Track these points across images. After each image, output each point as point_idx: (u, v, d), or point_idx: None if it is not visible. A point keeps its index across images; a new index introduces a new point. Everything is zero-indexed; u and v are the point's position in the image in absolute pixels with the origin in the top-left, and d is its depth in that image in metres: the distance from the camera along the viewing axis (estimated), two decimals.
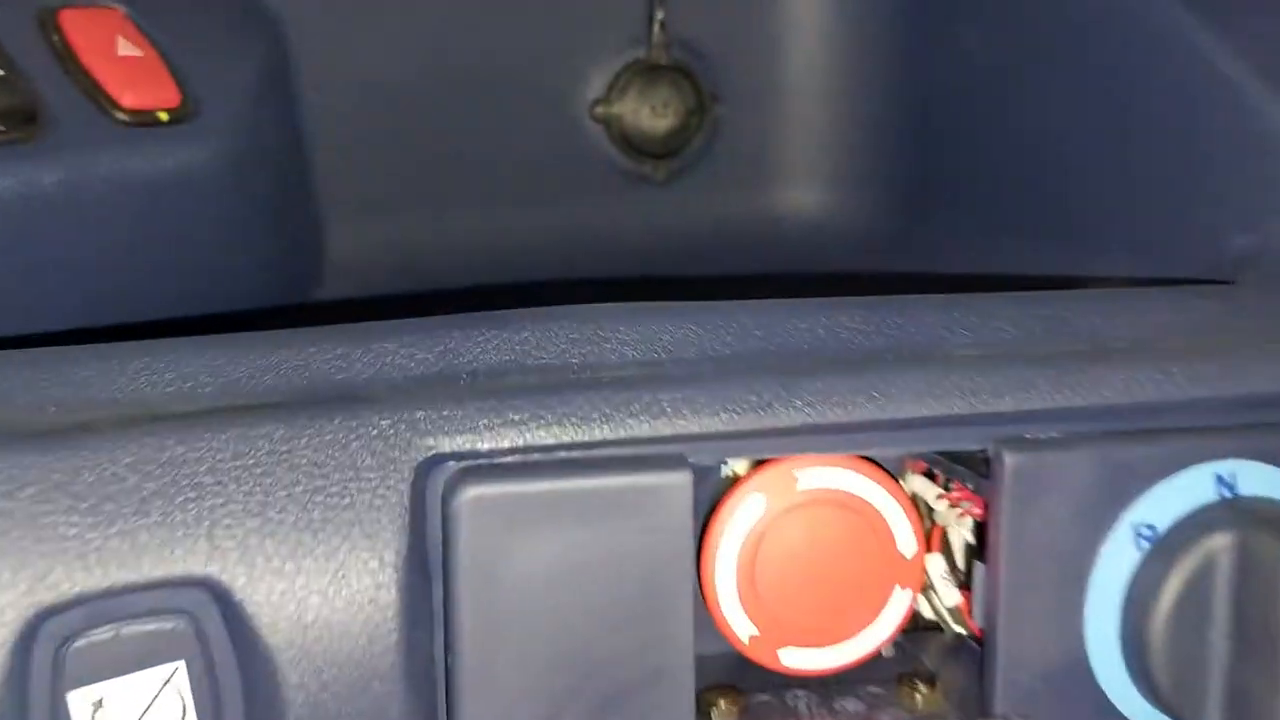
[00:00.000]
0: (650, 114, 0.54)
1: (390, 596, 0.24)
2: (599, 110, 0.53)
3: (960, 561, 0.30)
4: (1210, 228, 0.35)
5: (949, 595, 0.31)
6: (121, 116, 0.34)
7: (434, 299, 0.28)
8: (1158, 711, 0.28)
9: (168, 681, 0.24)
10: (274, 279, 0.41)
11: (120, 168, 0.34)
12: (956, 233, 0.48)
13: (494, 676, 0.26)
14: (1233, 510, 0.27)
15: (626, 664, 0.26)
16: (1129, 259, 0.38)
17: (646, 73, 0.54)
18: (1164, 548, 0.27)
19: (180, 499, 0.24)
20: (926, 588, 0.31)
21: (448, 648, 0.26)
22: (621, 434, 0.26)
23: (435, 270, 0.48)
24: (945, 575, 0.31)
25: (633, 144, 0.54)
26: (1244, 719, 0.26)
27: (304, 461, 0.24)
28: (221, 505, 0.24)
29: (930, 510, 0.31)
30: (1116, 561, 0.27)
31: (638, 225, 0.54)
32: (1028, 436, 0.28)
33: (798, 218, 0.54)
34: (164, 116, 0.35)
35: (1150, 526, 0.27)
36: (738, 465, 0.29)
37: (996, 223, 0.46)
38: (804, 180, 0.55)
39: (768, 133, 0.54)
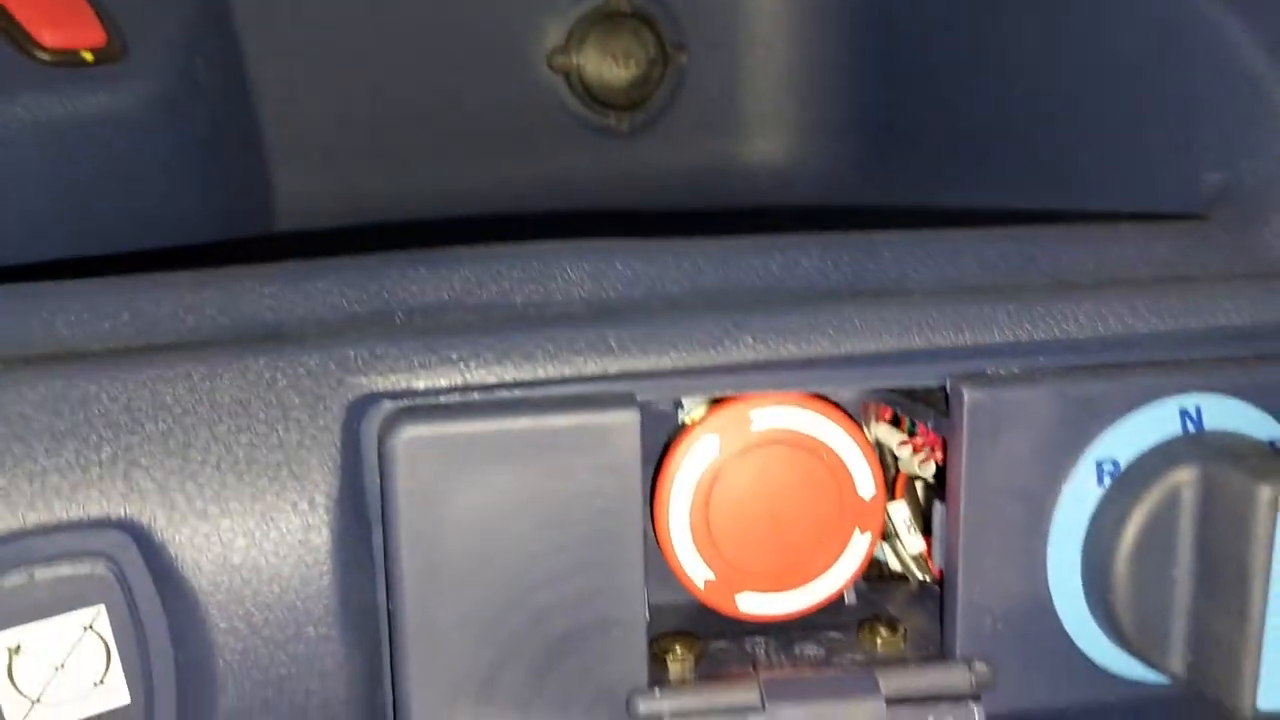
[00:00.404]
0: (611, 64, 0.53)
1: (322, 539, 0.24)
2: (558, 60, 0.52)
3: (926, 508, 0.30)
4: (1184, 165, 0.34)
5: (913, 543, 0.30)
6: (42, 56, 0.33)
7: (387, 245, 0.27)
8: (1121, 651, 0.27)
9: (89, 626, 0.23)
10: (217, 221, 0.40)
11: (41, 108, 0.32)
12: (923, 177, 0.47)
13: (437, 623, 0.25)
14: (1197, 444, 0.26)
15: (575, 610, 0.25)
16: (1102, 197, 0.37)
17: (606, 21, 0.52)
18: (1127, 484, 0.26)
19: (94, 438, 0.23)
20: (891, 536, 0.30)
21: (389, 593, 0.25)
22: (566, 372, 0.25)
23: (391, 221, 0.47)
24: (909, 523, 0.30)
25: (595, 95, 0.53)
26: (1207, 658, 0.25)
27: (227, 400, 0.23)
28: (139, 445, 0.23)
29: (895, 459, 0.30)
30: (1079, 499, 0.27)
31: (602, 178, 0.53)
32: (988, 372, 0.27)
33: (764, 167, 0.54)
34: (89, 57, 0.33)
35: (1113, 462, 0.27)
36: (695, 412, 0.28)
37: (964, 165, 0.45)
38: (770, 129, 0.54)
39: (732, 82, 0.53)
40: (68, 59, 0.33)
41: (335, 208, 0.46)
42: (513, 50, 0.51)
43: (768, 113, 0.53)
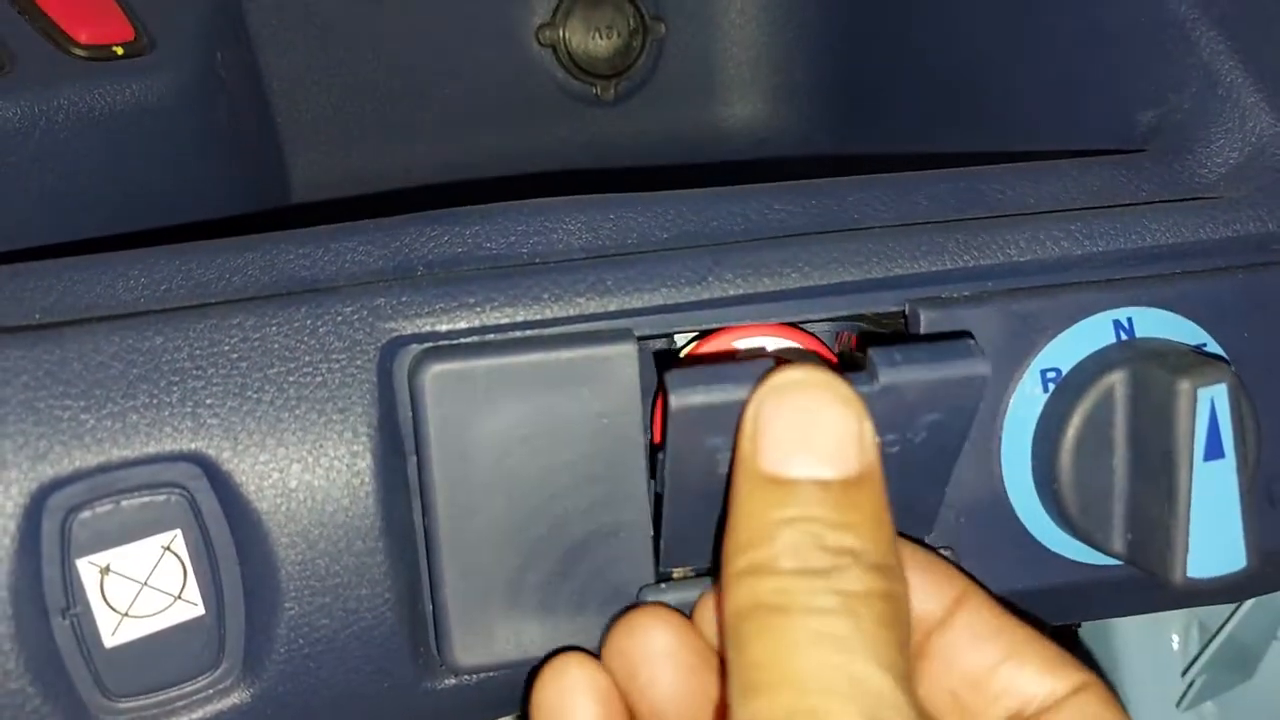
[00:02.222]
0: (595, 35, 0.56)
1: (365, 463, 0.27)
2: (545, 34, 0.55)
3: None
4: (1121, 103, 0.37)
5: None
6: (79, 52, 0.36)
7: (395, 213, 0.30)
8: (1069, 536, 0.31)
9: (167, 548, 0.26)
10: (240, 199, 0.43)
11: (81, 101, 0.35)
12: (890, 135, 0.50)
13: (467, 537, 0.28)
14: (1128, 349, 0.30)
15: (587, 518, 0.29)
16: (1050, 142, 0.40)
17: None
18: (1068, 388, 0.30)
19: (164, 383, 0.26)
20: None
21: (424, 511, 0.28)
22: (571, 311, 0.29)
23: (394, 195, 0.50)
24: None
25: (580, 66, 0.56)
26: (1144, 536, 0.29)
27: (276, 347, 0.27)
28: (203, 388, 0.26)
29: None
30: (1026, 404, 0.30)
31: (590, 145, 0.56)
32: (941, 296, 0.30)
33: (743, 130, 0.57)
34: (119, 51, 0.36)
35: (1055, 370, 0.30)
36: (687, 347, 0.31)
37: (928, 121, 0.48)
38: (746, 93, 0.57)
39: (709, 49, 0.56)
40: (101, 54, 0.36)
41: (344, 182, 0.49)
42: (504, 27, 0.54)
43: (744, 78, 0.56)
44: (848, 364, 0.30)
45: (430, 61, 0.52)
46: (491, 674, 0.29)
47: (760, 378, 0.25)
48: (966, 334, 0.29)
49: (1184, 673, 0.54)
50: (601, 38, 0.56)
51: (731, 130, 0.56)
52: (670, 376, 0.25)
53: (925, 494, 0.29)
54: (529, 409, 0.28)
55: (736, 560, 0.24)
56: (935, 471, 0.29)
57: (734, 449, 0.25)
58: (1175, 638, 0.54)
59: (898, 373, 0.26)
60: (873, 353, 0.26)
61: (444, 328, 0.28)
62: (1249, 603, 0.51)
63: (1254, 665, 0.52)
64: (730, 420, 0.25)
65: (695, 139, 0.56)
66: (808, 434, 0.24)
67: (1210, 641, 0.53)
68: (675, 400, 0.25)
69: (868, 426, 0.24)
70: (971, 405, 0.27)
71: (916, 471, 0.28)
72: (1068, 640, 0.58)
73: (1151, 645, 0.55)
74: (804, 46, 0.55)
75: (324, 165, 0.49)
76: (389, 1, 0.51)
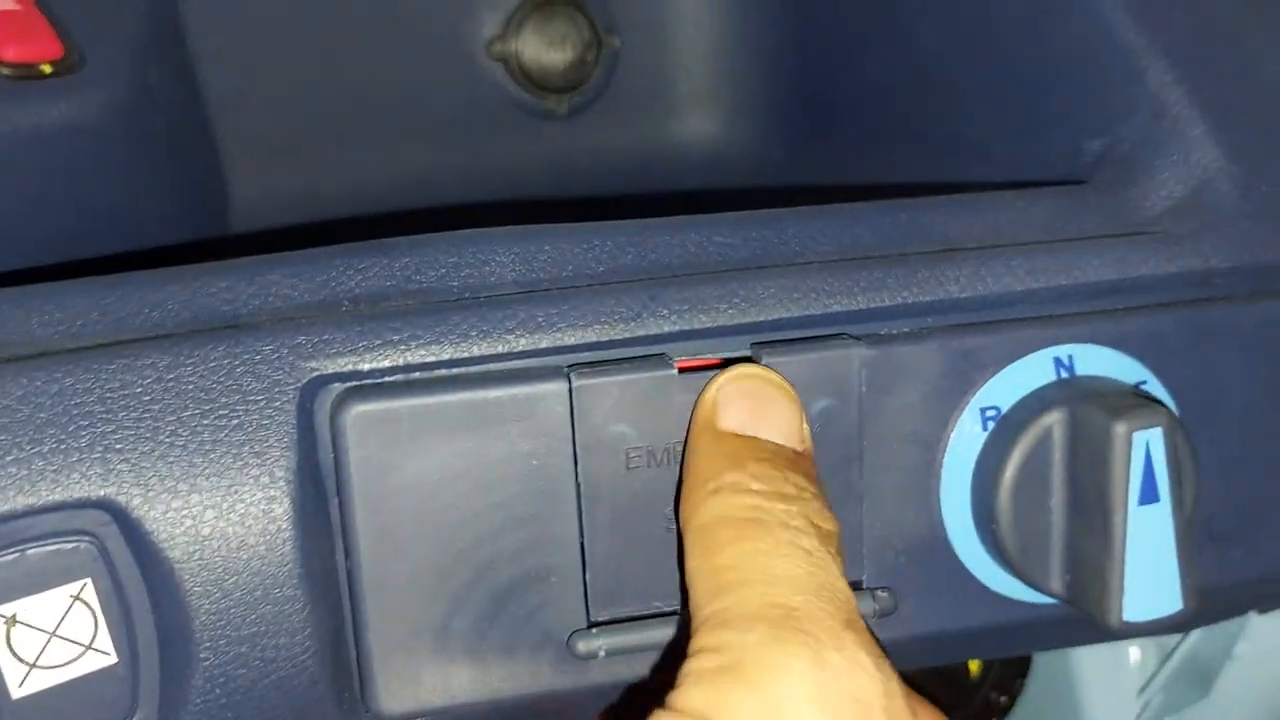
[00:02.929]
0: (548, 49, 0.55)
1: (283, 509, 0.26)
2: (496, 48, 0.54)
3: None
4: (1069, 130, 0.37)
5: None
6: (3, 71, 0.35)
7: (339, 238, 0.30)
8: (1009, 576, 0.30)
9: (76, 597, 0.25)
10: (176, 222, 0.42)
11: (5, 122, 0.34)
12: (844, 152, 0.49)
13: (392, 581, 0.27)
14: (1068, 388, 0.29)
15: (517, 561, 0.28)
16: (1000, 166, 0.40)
17: (541, 8, 0.55)
18: (1007, 426, 0.29)
19: (72, 427, 0.25)
20: None
21: (347, 556, 0.27)
22: (500, 349, 0.28)
23: (342, 213, 0.49)
24: None
25: (533, 79, 0.55)
26: (1081, 578, 0.28)
27: (190, 388, 0.26)
28: (113, 431, 0.25)
29: None
30: (965, 442, 0.30)
31: (543, 159, 0.55)
32: (881, 332, 0.30)
33: (697, 145, 0.56)
34: (47, 69, 0.35)
35: (995, 408, 0.30)
36: None
37: (880, 141, 0.47)
38: (701, 109, 0.56)
39: (663, 64, 0.55)
40: (28, 72, 0.35)
41: (288, 202, 0.48)
42: (454, 40, 0.53)
43: (699, 92, 0.56)
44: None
45: (377, 75, 0.52)
46: None
47: (662, 366, 0.28)
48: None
49: (1141, 691, 0.54)
50: (555, 51, 0.55)
51: (686, 145, 0.56)
52: (575, 369, 0.28)
53: (841, 509, 0.28)
54: (455, 450, 0.27)
55: (705, 485, 0.26)
56: (844, 479, 0.29)
57: (690, 420, 0.28)
58: (1133, 656, 0.54)
59: (778, 356, 0.28)
60: (754, 346, 0.29)
61: (367, 366, 0.27)
62: None
63: (1210, 683, 0.52)
64: (636, 409, 0.28)
65: (649, 154, 0.56)
66: (762, 413, 0.27)
67: (1167, 660, 0.53)
68: (578, 380, 0.27)
69: (806, 424, 0.28)
70: (852, 389, 0.29)
71: (824, 474, 0.28)
72: (1021, 660, 0.57)
73: (1108, 664, 0.55)
74: (759, 63, 0.54)
75: (266, 185, 0.48)
76: (334, 13, 0.51)
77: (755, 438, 0.27)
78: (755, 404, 0.27)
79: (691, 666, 0.23)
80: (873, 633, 0.24)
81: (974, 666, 0.57)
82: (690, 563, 0.25)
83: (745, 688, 0.22)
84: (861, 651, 0.22)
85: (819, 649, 0.22)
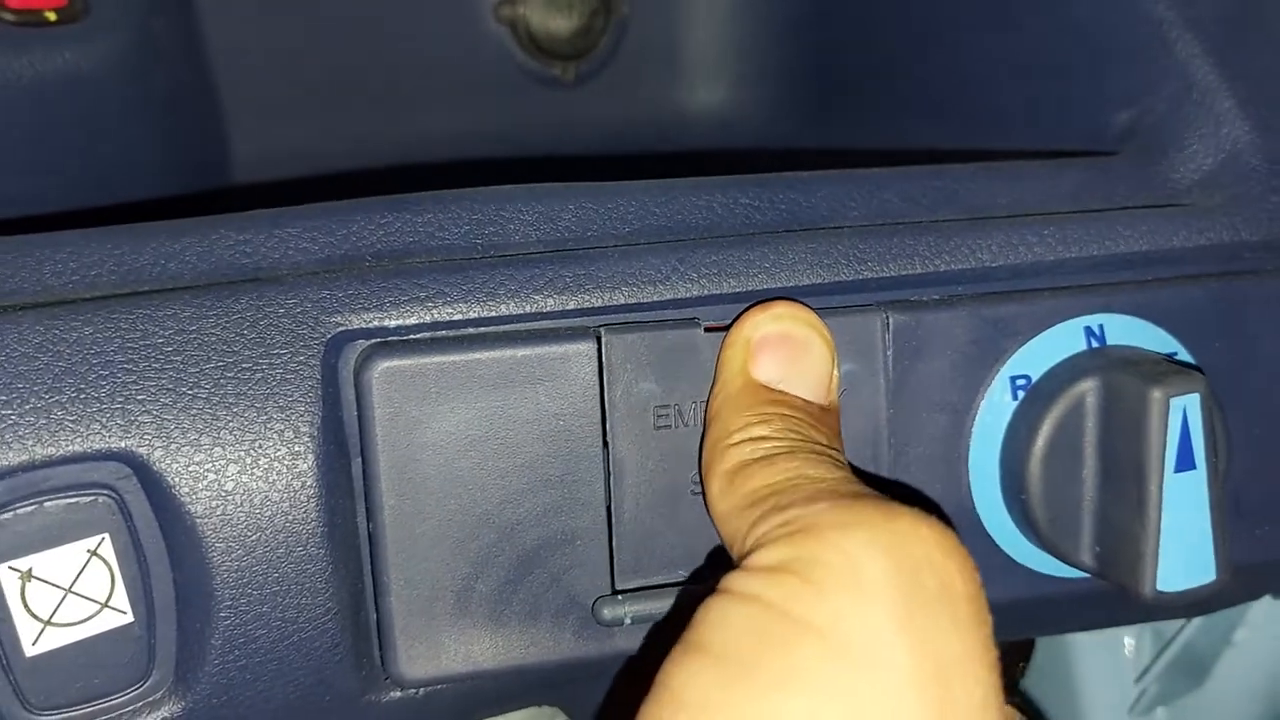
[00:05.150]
0: (555, 15, 0.54)
1: (308, 464, 0.25)
2: (503, 11, 0.53)
3: None
4: (1096, 102, 0.37)
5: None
6: (8, 17, 0.34)
7: (343, 196, 0.29)
8: (1037, 548, 0.30)
9: (94, 552, 0.24)
10: (176, 176, 0.41)
11: (8, 68, 0.33)
12: (857, 122, 0.49)
13: (414, 542, 0.27)
14: (1099, 357, 0.29)
15: (541, 524, 0.27)
16: (1024, 137, 0.40)
17: None
18: (1038, 396, 0.29)
19: (92, 376, 0.24)
20: None
21: (369, 515, 0.27)
22: (527, 309, 0.27)
23: (340, 176, 0.48)
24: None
25: (540, 46, 0.54)
26: (1113, 549, 0.28)
27: (213, 339, 0.25)
28: (134, 382, 0.24)
29: None
30: (995, 411, 0.29)
31: (549, 126, 0.54)
32: (911, 299, 0.29)
33: (705, 115, 0.55)
34: (52, 16, 0.34)
35: (1025, 377, 0.29)
36: None
37: (896, 111, 0.47)
38: (709, 78, 0.55)
39: (673, 31, 0.55)
40: (31, 19, 0.34)
41: (288, 159, 0.47)
42: (459, 3, 0.52)
43: (708, 61, 0.55)
44: None
45: (381, 34, 0.51)
46: (439, 687, 0.28)
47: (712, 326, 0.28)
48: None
49: (1138, 679, 0.54)
50: (562, 16, 0.54)
51: (694, 115, 0.55)
52: (605, 327, 0.27)
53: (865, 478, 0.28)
54: (481, 409, 0.27)
55: (730, 436, 0.26)
56: (871, 447, 0.29)
57: (721, 357, 0.28)
58: (1129, 644, 0.54)
59: None
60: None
61: (393, 323, 0.26)
62: None
63: (1206, 673, 0.52)
64: (665, 366, 0.27)
65: (657, 123, 0.55)
66: (796, 362, 0.27)
67: (1164, 649, 0.53)
68: (608, 336, 0.27)
69: (837, 370, 0.28)
70: (879, 355, 0.28)
71: (850, 440, 0.28)
72: (1023, 646, 0.57)
73: (1106, 652, 0.55)
74: (770, 31, 0.54)
75: (267, 141, 0.47)
76: None
77: (784, 394, 0.27)
78: (790, 353, 0.27)
79: (760, 538, 0.22)
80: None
81: None
82: (719, 505, 0.25)
83: (821, 543, 0.21)
84: (921, 520, 0.22)
85: (888, 507, 0.22)
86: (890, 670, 0.20)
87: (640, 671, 0.30)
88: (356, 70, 0.50)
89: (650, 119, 0.55)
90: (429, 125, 0.52)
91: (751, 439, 0.25)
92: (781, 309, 0.27)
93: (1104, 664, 0.55)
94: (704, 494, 0.26)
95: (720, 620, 0.22)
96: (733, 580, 0.22)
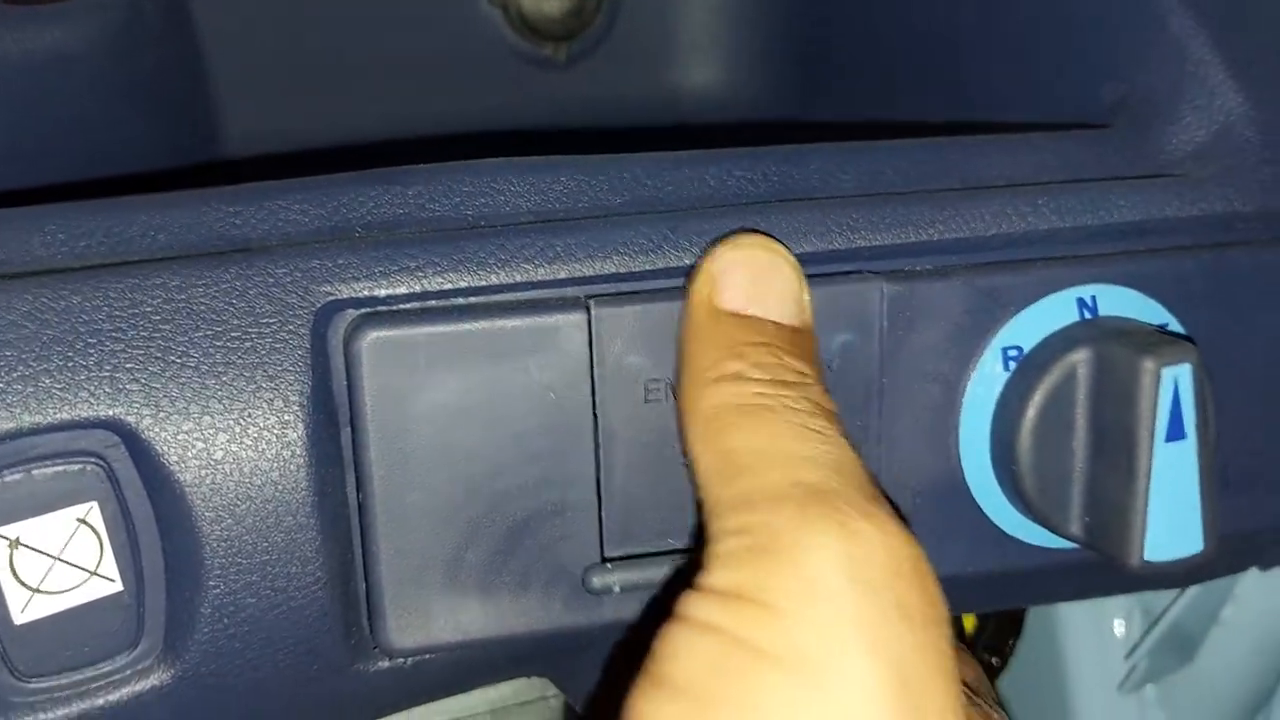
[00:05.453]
0: None
1: (297, 434, 0.25)
2: None
3: None
4: (1087, 75, 0.36)
5: None
6: None
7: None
8: (1027, 520, 0.30)
9: (82, 520, 0.24)
10: (164, 158, 0.41)
11: None
12: (852, 101, 0.49)
13: (404, 512, 0.27)
14: (1091, 328, 0.29)
15: (532, 495, 0.27)
16: (1017, 111, 0.40)
17: None
18: (1029, 366, 0.29)
19: (80, 344, 0.24)
20: None
21: (359, 485, 0.27)
22: (517, 278, 0.27)
23: (330, 156, 0.48)
24: None
25: (532, 26, 0.54)
26: (1102, 519, 0.28)
27: (202, 309, 0.25)
28: (122, 350, 0.24)
29: None
30: (986, 382, 0.29)
31: (539, 108, 0.54)
32: (905, 269, 0.29)
33: (698, 95, 0.55)
34: None
35: (1017, 348, 0.29)
36: None
37: (891, 89, 0.47)
38: (704, 58, 0.55)
39: (666, 10, 0.54)
40: None
41: (278, 140, 0.47)
42: None
43: (702, 41, 0.55)
44: None
45: (372, 15, 0.50)
46: (428, 657, 0.28)
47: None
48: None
49: (1127, 656, 0.54)
50: None
51: (688, 96, 0.55)
52: (595, 299, 0.27)
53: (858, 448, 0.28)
54: (472, 380, 0.27)
55: (704, 373, 0.25)
56: (863, 416, 0.28)
57: (687, 293, 0.27)
58: (1119, 622, 0.55)
59: None
60: None
61: (382, 292, 0.26)
62: (1193, 588, 0.51)
63: (1195, 649, 0.52)
64: (656, 340, 0.27)
65: (650, 104, 0.55)
66: (763, 286, 0.26)
67: (1153, 626, 0.53)
68: (598, 309, 0.27)
69: (807, 291, 0.27)
70: (874, 325, 0.28)
71: (843, 411, 0.27)
72: (1014, 622, 0.58)
73: (1095, 628, 0.55)
74: (762, 10, 0.54)
75: (258, 122, 0.47)
76: None
77: (754, 318, 0.26)
78: (755, 278, 0.26)
79: (719, 549, 0.22)
80: (894, 503, 0.24)
81: (968, 625, 0.57)
82: (696, 448, 0.25)
83: (778, 564, 0.21)
84: (889, 520, 0.22)
85: (847, 520, 0.22)
86: (854, 694, 0.20)
87: (631, 643, 0.30)
88: (347, 51, 0.50)
89: (643, 99, 0.55)
90: (420, 106, 0.52)
91: (726, 375, 0.25)
92: (742, 238, 0.27)
93: (1093, 641, 0.55)
94: (682, 438, 0.26)
95: (681, 652, 0.22)
96: (691, 605, 0.22)
